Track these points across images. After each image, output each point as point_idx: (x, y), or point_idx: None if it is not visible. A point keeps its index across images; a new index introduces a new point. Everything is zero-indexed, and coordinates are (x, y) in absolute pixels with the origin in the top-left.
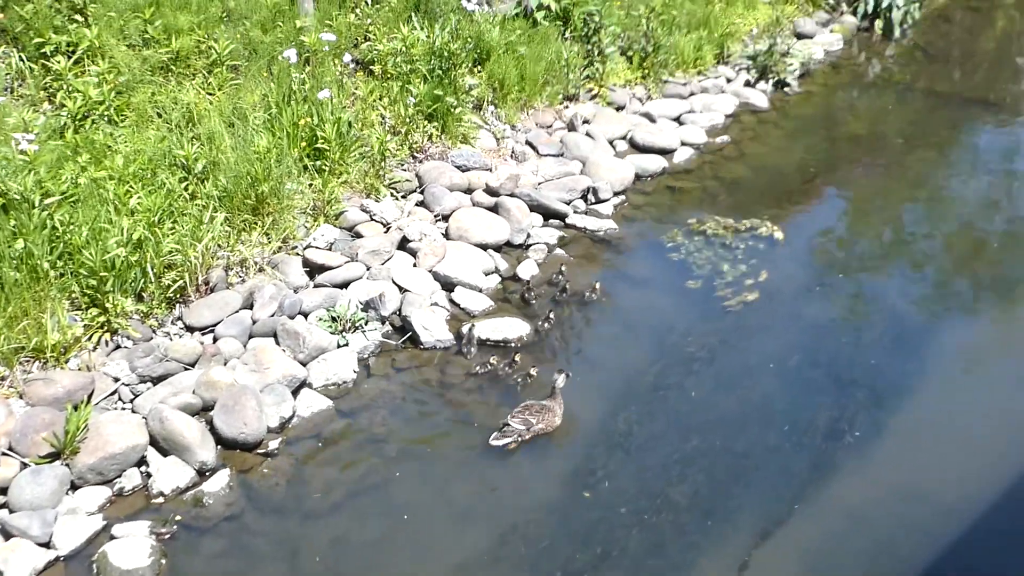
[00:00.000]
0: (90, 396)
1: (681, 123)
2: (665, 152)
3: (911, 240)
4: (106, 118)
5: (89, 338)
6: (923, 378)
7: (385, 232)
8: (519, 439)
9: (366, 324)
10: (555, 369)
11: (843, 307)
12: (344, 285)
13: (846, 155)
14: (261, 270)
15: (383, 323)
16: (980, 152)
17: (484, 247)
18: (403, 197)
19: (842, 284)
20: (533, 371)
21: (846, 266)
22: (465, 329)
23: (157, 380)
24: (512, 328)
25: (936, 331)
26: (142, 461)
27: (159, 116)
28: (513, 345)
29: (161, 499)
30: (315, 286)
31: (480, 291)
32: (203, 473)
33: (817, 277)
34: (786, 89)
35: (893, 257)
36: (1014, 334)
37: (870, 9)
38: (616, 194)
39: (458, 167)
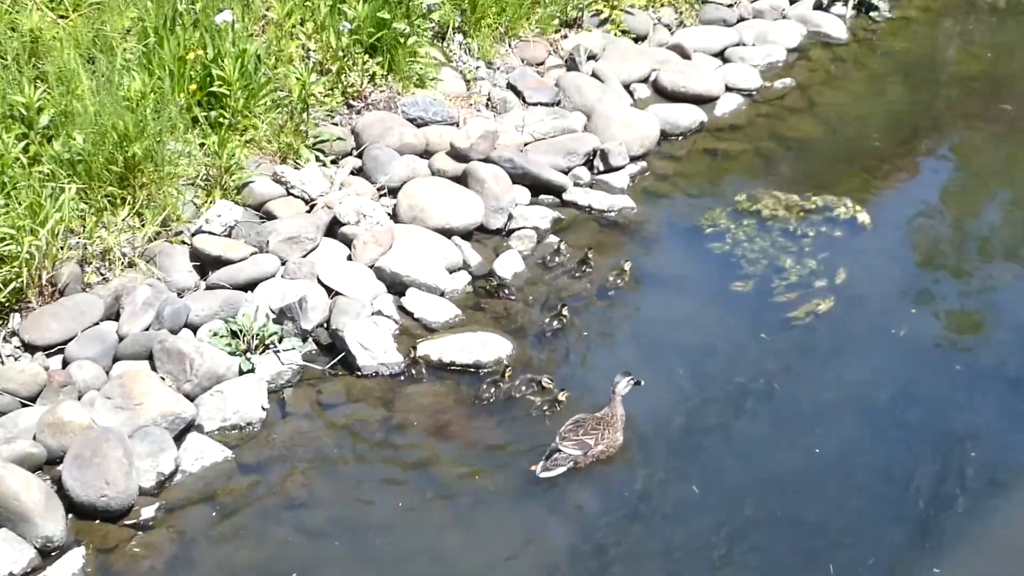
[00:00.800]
0: None
1: (726, 60)
2: (703, 101)
3: None
4: None
5: None
6: None
7: (308, 211)
8: (575, 465)
9: (280, 341)
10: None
11: (953, 322)
12: (250, 286)
13: (957, 107)
14: (131, 265)
15: (305, 340)
16: None
17: (448, 233)
18: (334, 162)
19: (951, 289)
20: (562, 395)
21: (957, 264)
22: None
23: None
24: (487, 347)
25: None
26: None
27: None
28: (487, 371)
29: None
30: (208, 287)
31: (442, 295)
32: (47, 553)
33: (917, 279)
34: (873, 14)
35: (1017, 250)
36: None
37: None
38: (634, 159)
39: (411, 120)
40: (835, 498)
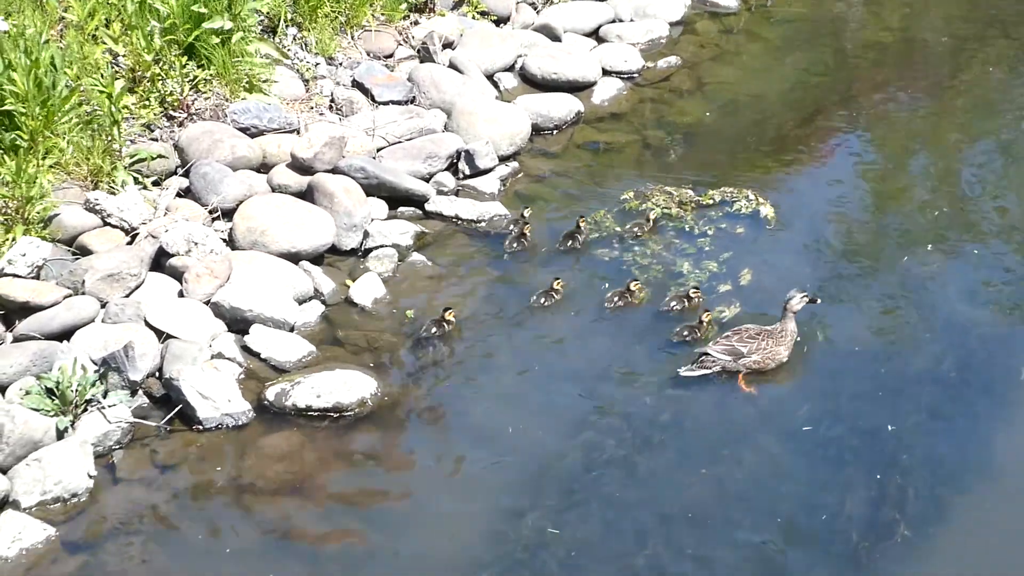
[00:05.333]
0: None
1: (601, 40)
2: (578, 88)
3: (974, 210)
4: None
5: None
6: (1009, 432)
7: (129, 243)
8: (722, 370)
9: (105, 396)
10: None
11: (872, 322)
12: (65, 335)
13: (865, 78)
14: None
15: (134, 393)
16: None
17: (294, 257)
18: (156, 184)
19: (869, 286)
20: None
21: (874, 257)
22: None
23: None
24: (348, 386)
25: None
26: None
27: None
28: (351, 413)
29: None
30: (16, 340)
31: (292, 330)
32: None
33: (830, 276)
34: None
35: (948, 239)
36: None
37: None
38: (503, 160)
39: (244, 130)
40: (750, 534)
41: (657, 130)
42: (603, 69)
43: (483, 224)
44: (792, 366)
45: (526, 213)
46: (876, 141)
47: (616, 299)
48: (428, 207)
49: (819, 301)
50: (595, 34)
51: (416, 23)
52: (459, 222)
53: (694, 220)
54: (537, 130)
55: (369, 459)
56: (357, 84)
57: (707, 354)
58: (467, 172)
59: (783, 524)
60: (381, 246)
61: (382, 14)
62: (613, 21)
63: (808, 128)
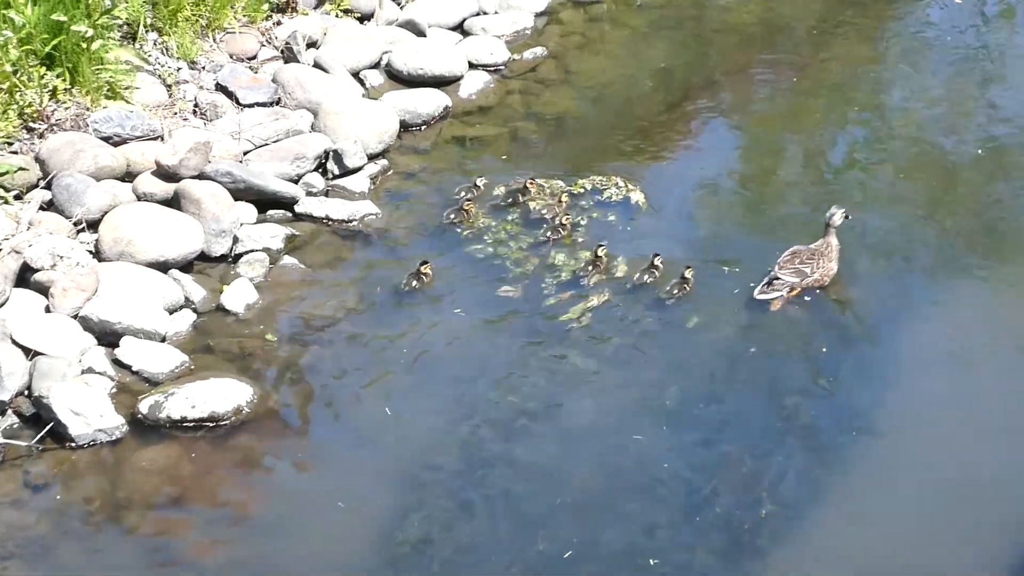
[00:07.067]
0: None
1: (467, 33)
2: (445, 82)
3: (842, 186)
4: None
5: None
6: (884, 411)
7: None
8: (790, 292)
9: None
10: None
11: (749, 303)
12: None
13: (732, 59)
14: None
15: (3, 413)
16: (935, 31)
17: (163, 266)
18: (17, 198)
19: (746, 266)
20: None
21: (746, 241)
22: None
23: None
24: (223, 395)
25: (901, 329)
26: None
27: None
28: (227, 422)
29: None
30: None
31: (163, 340)
32: None
33: (703, 261)
34: None
35: (814, 213)
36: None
37: None
38: (372, 158)
39: (106, 139)
40: (641, 521)
41: (525, 122)
42: (469, 62)
43: (354, 223)
44: (666, 348)
45: (479, 182)
46: (741, 122)
47: (591, 268)
48: (298, 209)
49: (850, 217)
50: (460, 27)
51: (279, 23)
52: (330, 223)
53: (565, 211)
54: (406, 126)
55: (248, 467)
56: (221, 87)
57: (777, 278)
58: (336, 172)
59: (665, 506)
60: (251, 251)
61: (244, 15)
62: (478, 14)
63: (675, 113)
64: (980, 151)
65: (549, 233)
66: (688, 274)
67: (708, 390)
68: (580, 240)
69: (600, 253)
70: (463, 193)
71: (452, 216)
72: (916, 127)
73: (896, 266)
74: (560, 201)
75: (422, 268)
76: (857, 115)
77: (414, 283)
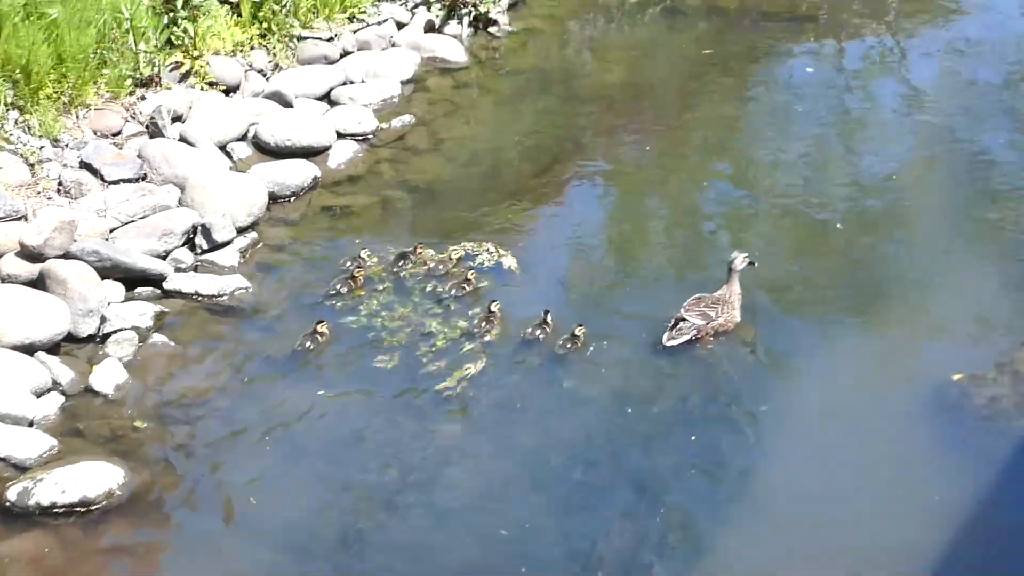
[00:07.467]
0: None
1: (334, 103)
2: (314, 153)
3: (711, 242)
4: None
5: None
6: (757, 470)
7: None
8: (697, 336)
9: None
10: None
11: (619, 363)
12: None
13: (599, 122)
14: None
15: None
16: (794, 90)
17: (29, 349)
18: None
19: (618, 327)
20: None
21: (619, 297)
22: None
23: None
24: (94, 479)
25: (772, 385)
26: None
27: None
28: (98, 507)
29: None
30: None
31: (31, 424)
32: None
33: (579, 318)
34: (492, 30)
35: (686, 271)
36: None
37: None
38: (242, 231)
39: None
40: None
41: (396, 190)
42: (337, 132)
43: (225, 298)
44: (543, 413)
45: (364, 254)
46: (610, 185)
47: (484, 324)
48: (167, 285)
49: (756, 264)
50: (327, 97)
51: (143, 98)
52: (200, 298)
53: (439, 279)
54: (275, 198)
55: (120, 554)
56: (85, 165)
57: (684, 320)
58: (205, 246)
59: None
60: (120, 330)
61: (107, 91)
62: (344, 83)
63: (545, 177)
64: (841, 208)
65: (454, 291)
66: (579, 331)
67: (585, 454)
68: (452, 308)
69: (494, 308)
70: (349, 264)
71: (339, 286)
72: (780, 186)
73: (764, 320)
74: (450, 258)
75: (318, 327)
76: (723, 175)
77: (308, 344)
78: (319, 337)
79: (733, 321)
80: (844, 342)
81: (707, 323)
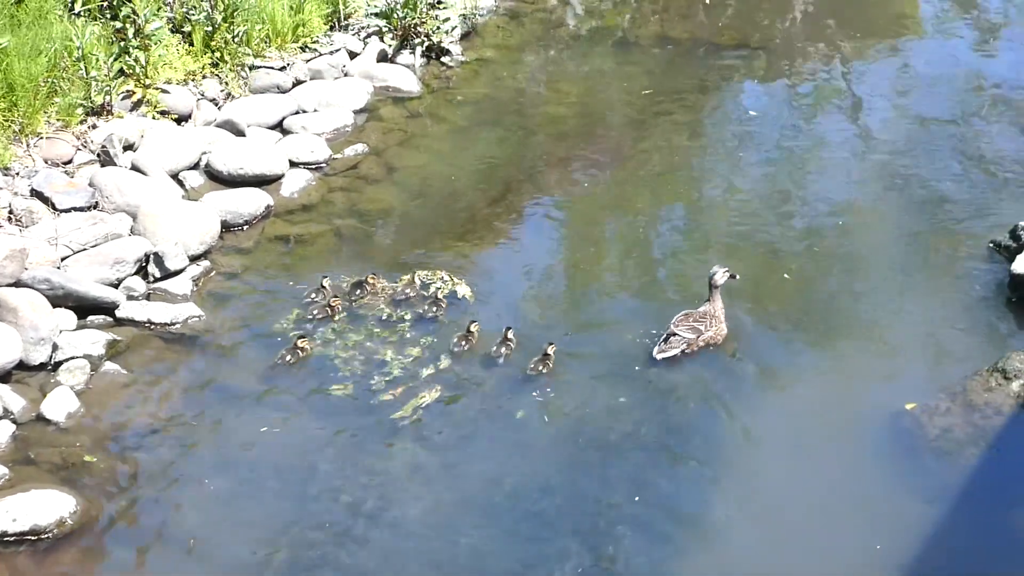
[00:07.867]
0: None
1: (286, 132)
2: (266, 181)
3: (667, 271)
4: None
5: None
6: (722, 499)
7: None
8: (687, 350)
9: None
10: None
11: (572, 390)
12: None
13: (551, 151)
14: None
15: None
16: (746, 121)
17: None
18: None
19: (569, 359)
20: None
21: (572, 328)
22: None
23: None
24: (44, 507)
25: (723, 419)
26: None
27: None
28: (49, 535)
29: None
30: None
31: None
32: None
33: (529, 352)
34: (445, 59)
35: (639, 300)
36: (839, 408)
37: None
38: (194, 259)
39: None
40: None
41: (349, 219)
42: (290, 161)
43: (177, 326)
44: (498, 439)
45: (326, 282)
46: (564, 213)
47: (463, 343)
48: (119, 314)
49: (737, 277)
50: (280, 126)
51: (95, 127)
52: (152, 326)
53: (391, 307)
54: (227, 227)
55: None
56: (36, 193)
57: (675, 334)
58: (157, 275)
59: None
60: (72, 358)
61: (58, 119)
62: (297, 112)
63: (498, 206)
64: (793, 239)
65: (427, 309)
66: (550, 351)
67: (541, 481)
68: (407, 336)
69: (472, 328)
70: (314, 295)
71: (316, 312)
72: (734, 214)
73: (716, 352)
74: (412, 281)
75: (299, 343)
76: (675, 204)
77: (288, 358)
78: (299, 352)
79: (721, 334)
80: (798, 372)
81: (697, 336)
